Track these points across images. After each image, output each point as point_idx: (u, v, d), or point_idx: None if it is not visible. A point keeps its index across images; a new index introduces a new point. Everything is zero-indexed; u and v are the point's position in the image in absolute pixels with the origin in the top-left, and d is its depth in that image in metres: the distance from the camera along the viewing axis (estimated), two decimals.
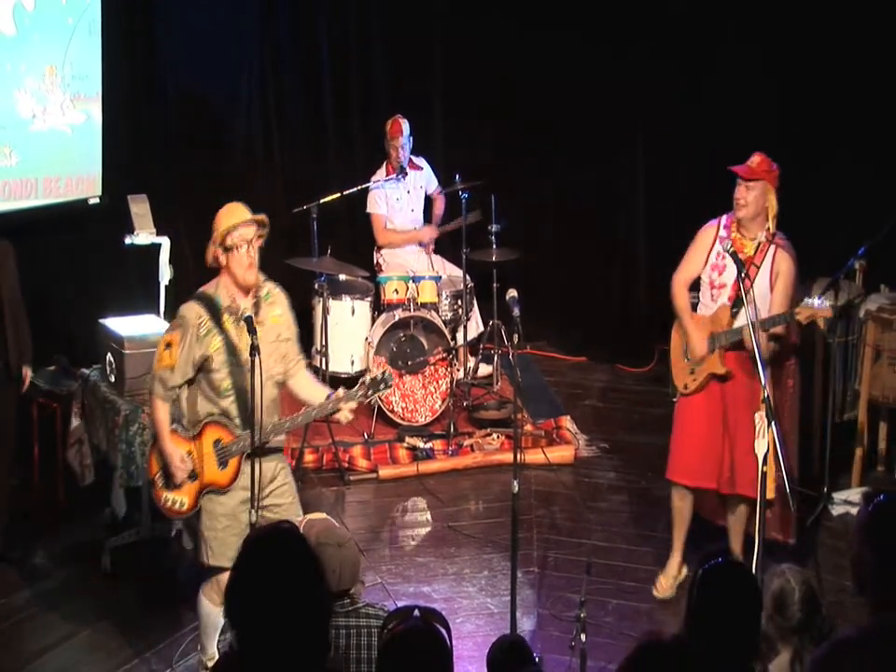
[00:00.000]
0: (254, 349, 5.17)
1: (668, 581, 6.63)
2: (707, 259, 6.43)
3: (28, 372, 6.87)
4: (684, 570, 6.60)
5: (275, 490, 5.54)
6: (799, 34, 8.78)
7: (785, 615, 4.25)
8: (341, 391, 5.43)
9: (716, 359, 6.33)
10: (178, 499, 5.50)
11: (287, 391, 5.68)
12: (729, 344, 6.28)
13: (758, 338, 5.80)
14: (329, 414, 5.57)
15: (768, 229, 6.30)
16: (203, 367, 5.36)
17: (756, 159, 6.30)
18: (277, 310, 5.52)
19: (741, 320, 6.22)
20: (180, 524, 6.91)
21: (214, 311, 5.35)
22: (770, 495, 6.08)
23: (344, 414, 5.41)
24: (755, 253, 6.31)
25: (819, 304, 6.09)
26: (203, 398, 5.43)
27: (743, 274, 6.05)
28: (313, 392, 5.57)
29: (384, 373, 5.42)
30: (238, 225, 5.32)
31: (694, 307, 6.56)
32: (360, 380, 5.49)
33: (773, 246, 6.30)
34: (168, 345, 5.36)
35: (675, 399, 6.68)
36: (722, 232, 6.39)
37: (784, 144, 8.77)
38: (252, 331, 5.21)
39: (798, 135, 8.84)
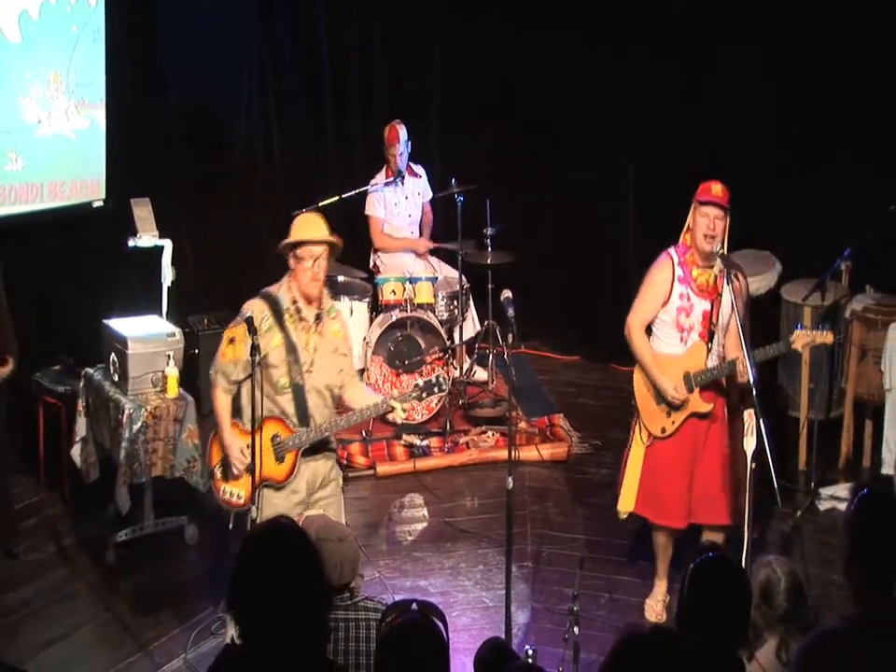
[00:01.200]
0: (254, 349, 5.23)
1: (658, 605, 6.49)
2: (668, 301, 6.11)
3: (10, 362, 6.78)
4: (667, 596, 6.47)
5: (324, 500, 5.58)
6: (798, 34, 8.70)
7: (771, 604, 4.26)
8: (395, 392, 5.54)
9: (697, 399, 6.12)
10: (236, 491, 5.56)
11: (344, 404, 5.73)
12: (708, 382, 6.11)
13: (753, 367, 5.69)
14: (382, 413, 5.65)
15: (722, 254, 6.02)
16: (262, 361, 5.37)
17: (717, 186, 6.03)
18: (337, 325, 5.61)
19: (715, 354, 6.13)
20: (185, 519, 6.96)
21: (276, 309, 5.43)
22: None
23: (399, 413, 5.46)
24: (715, 282, 6.09)
25: (820, 331, 6.04)
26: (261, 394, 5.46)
27: (709, 307, 6.02)
28: (368, 401, 5.64)
29: (438, 377, 5.52)
30: (309, 242, 5.39)
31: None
32: (414, 383, 5.58)
33: (727, 272, 6.00)
34: (231, 340, 5.44)
35: (647, 444, 6.28)
36: (679, 271, 6.10)
37: (783, 144, 8.83)
38: (252, 332, 5.26)
39: (796, 137, 8.84)
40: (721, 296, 6.08)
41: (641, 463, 6.31)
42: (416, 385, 5.52)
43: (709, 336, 6.12)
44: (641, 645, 3.19)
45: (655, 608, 6.49)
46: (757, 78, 9.00)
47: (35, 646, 6.16)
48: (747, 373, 5.76)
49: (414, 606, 3.62)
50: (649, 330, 6.27)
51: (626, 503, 6.38)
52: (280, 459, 5.47)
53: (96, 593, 6.65)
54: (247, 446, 5.38)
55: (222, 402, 5.51)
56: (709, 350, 6.14)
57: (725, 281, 6.01)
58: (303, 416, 5.43)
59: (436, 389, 5.52)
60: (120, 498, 6.86)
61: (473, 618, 6.43)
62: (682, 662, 3.26)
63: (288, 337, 5.41)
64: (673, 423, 6.20)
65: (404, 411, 5.48)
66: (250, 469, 5.39)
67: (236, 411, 5.56)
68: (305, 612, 3.34)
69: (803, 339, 6.00)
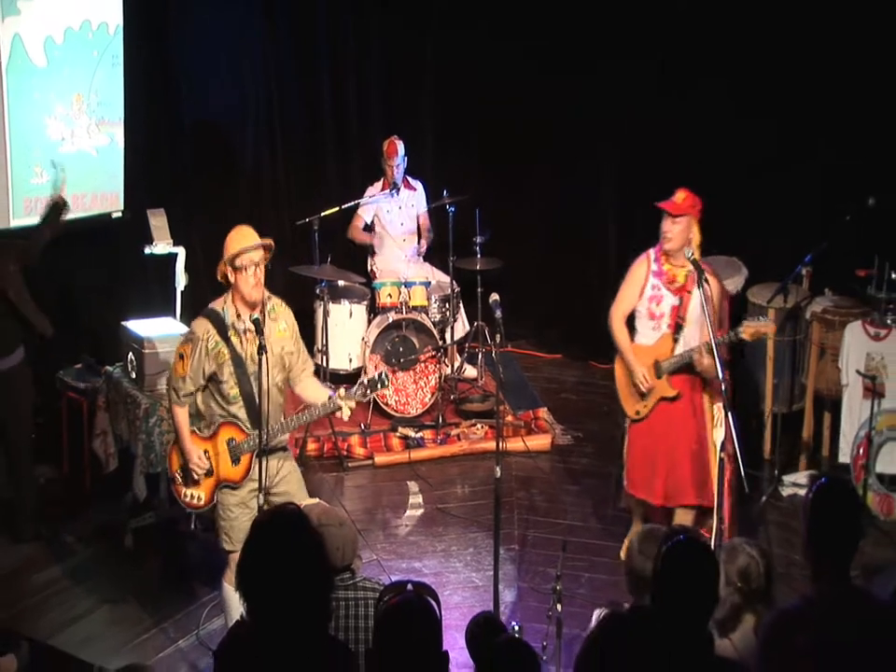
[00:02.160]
0: (261, 348, 5.21)
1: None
2: (643, 293, 6.34)
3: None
4: None
5: (282, 479, 5.57)
6: (764, 44, 8.68)
7: (751, 586, 4.27)
8: (342, 391, 5.42)
9: (665, 384, 6.28)
10: (196, 494, 5.55)
11: (295, 395, 5.71)
12: (675, 368, 6.26)
13: (719, 353, 5.79)
14: (330, 413, 5.55)
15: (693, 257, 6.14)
16: (213, 377, 5.39)
17: (681, 195, 6.24)
18: (282, 324, 5.51)
19: (682, 346, 6.25)
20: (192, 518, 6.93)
21: (220, 326, 5.37)
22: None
23: (345, 412, 5.39)
24: (685, 281, 6.25)
25: (762, 321, 6.18)
26: (214, 402, 5.47)
27: (679, 302, 6.17)
28: (317, 395, 5.57)
29: (380, 374, 5.44)
30: (248, 248, 5.31)
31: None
32: (359, 381, 5.50)
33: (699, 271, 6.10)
34: (181, 356, 5.41)
35: (625, 425, 6.54)
36: (654, 266, 6.33)
37: (751, 160, 8.81)
38: (260, 332, 5.25)
39: (760, 154, 8.83)
40: (690, 293, 6.22)
41: (627, 443, 6.55)
42: (361, 384, 5.41)
43: (677, 328, 6.28)
44: (622, 623, 3.19)
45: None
46: (723, 96, 8.97)
47: (60, 623, 6.17)
48: (703, 362, 6.01)
49: (410, 586, 3.62)
50: (632, 325, 6.43)
51: (624, 480, 6.59)
52: (236, 461, 5.46)
53: (115, 574, 6.66)
54: (205, 452, 5.43)
55: (179, 414, 5.46)
56: (676, 340, 6.30)
57: (697, 281, 6.07)
58: (255, 419, 5.35)
59: (378, 386, 5.42)
60: (138, 487, 6.85)
61: (464, 596, 6.42)
62: (658, 636, 3.26)
63: (234, 351, 5.35)
64: (646, 406, 6.37)
65: (350, 409, 5.39)
66: (209, 472, 5.44)
67: (193, 418, 5.53)
68: (309, 592, 3.33)
69: (750, 329, 6.10)
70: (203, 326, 5.38)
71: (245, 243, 5.33)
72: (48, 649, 5.65)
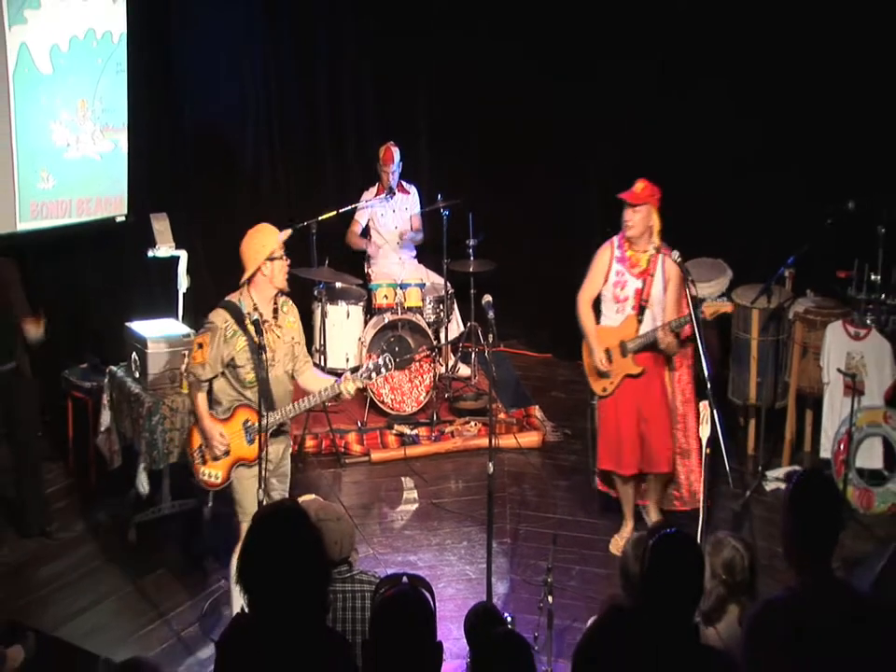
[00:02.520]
0: (261, 348, 5.41)
1: (623, 542, 6.63)
2: (608, 278, 6.55)
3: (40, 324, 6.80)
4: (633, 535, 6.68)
5: (279, 472, 5.78)
6: (750, 52, 8.72)
7: (735, 578, 4.29)
8: (347, 374, 5.65)
9: (630, 362, 6.50)
10: (214, 472, 5.69)
11: (299, 386, 5.82)
12: (640, 347, 6.46)
13: (701, 334, 5.92)
14: (337, 394, 5.65)
15: (654, 243, 6.46)
16: (231, 363, 5.55)
17: (640, 185, 6.46)
18: (291, 317, 5.75)
19: (646, 326, 6.46)
20: (198, 501, 6.94)
21: (238, 316, 5.54)
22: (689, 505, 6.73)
23: (351, 388, 5.57)
24: (647, 265, 6.47)
25: (720, 301, 6.41)
26: (230, 387, 5.62)
27: (642, 285, 6.42)
28: (320, 384, 5.73)
29: (384, 359, 5.63)
30: (281, 242, 5.69)
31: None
32: (365, 364, 5.68)
33: (661, 256, 6.45)
34: (200, 346, 5.55)
35: (594, 402, 6.83)
36: (617, 252, 6.54)
37: (736, 164, 8.83)
38: (259, 332, 5.46)
39: (745, 159, 8.85)
40: (653, 276, 6.45)
41: (598, 420, 6.78)
42: (367, 367, 5.61)
43: (640, 310, 6.49)
44: (622, 617, 3.22)
45: (619, 543, 6.70)
46: (724, 98, 8.98)
47: (66, 615, 6.17)
48: (665, 339, 6.31)
49: (405, 579, 3.63)
50: (599, 310, 6.67)
51: (599, 460, 6.81)
52: (251, 441, 5.61)
53: (120, 567, 6.65)
54: (223, 432, 5.59)
55: (198, 398, 5.63)
56: (640, 321, 6.50)
57: (660, 267, 6.42)
58: (269, 403, 5.52)
59: (383, 370, 5.61)
60: (141, 483, 6.85)
61: (458, 589, 6.43)
62: (647, 628, 3.28)
63: (251, 339, 5.51)
64: (612, 383, 6.58)
65: (355, 388, 5.59)
66: (225, 451, 5.60)
67: (210, 403, 5.70)
68: (307, 585, 3.34)
69: (710, 308, 6.31)
70: (221, 316, 5.56)
71: (276, 237, 5.68)
72: (54, 640, 5.65)
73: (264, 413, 5.42)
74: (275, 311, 5.65)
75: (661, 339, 6.35)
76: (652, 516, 6.78)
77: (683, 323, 6.35)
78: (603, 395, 6.64)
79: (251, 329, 5.52)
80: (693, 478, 6.72)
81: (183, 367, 6.65)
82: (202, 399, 5.63)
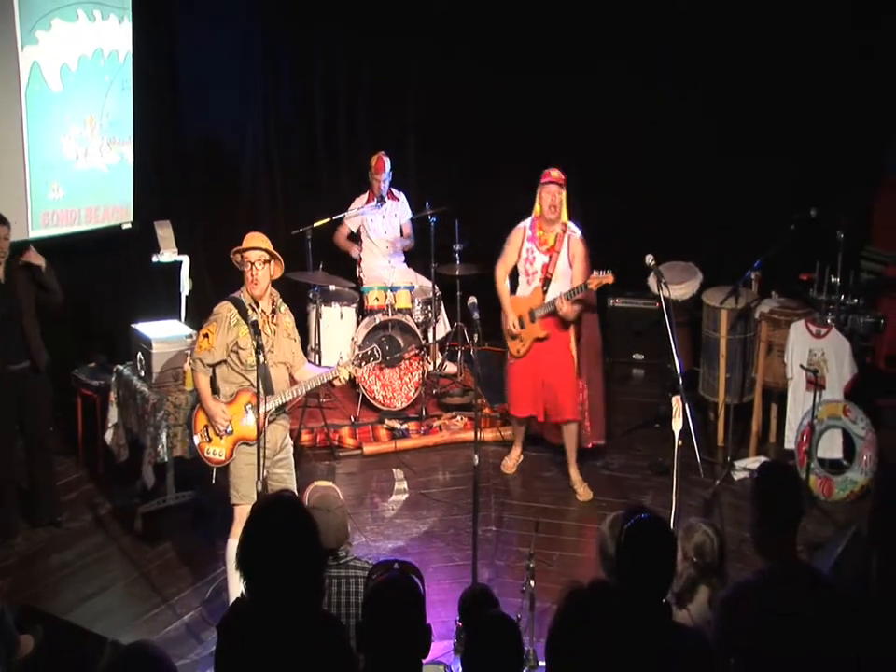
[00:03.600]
0: (259, 348, 5.39)
1: (511, 462, 7.72)
2: (520, 254, 7.09)
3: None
4: (520, 457, 7.75)
5: (280, 461, 5.78)
6: (721, 58, 8.75)
7: (705, 560, 4.28)
8: (340, 361, 5.81)
9: (537, 327, 7.07)
10: (217, 450, 5.76)
11: (295, 382, 5.88)
12: (545, 314, 6.98)
13: (674, 332, 5.96)
14: (331, 378, 5.81)
15: (563, 222, 7.00)
16: (234, 348, 5.65)
17: (557, 171, 7.01)
18: (287, 318, 5.87)
19: (551, 295, 6.96)
20: (199, 492, 6.91)
21: (240, 307, 5.68)
22: (593, 441, 7.50)
23: (343, 374, 5.75)
24: (555, 242, 7.02)
25: (602, 273, 6.76)
26: (233, 372, 5.71)
27: (548, 260, 6.99)
28: (316, 372, 5.93)
29: (374, 349, 5.80)
30: (246, 249, 5.69)
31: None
32: (355, 353, 5.81)
33: (567, 235, 7.02)
34: (206, 335, 5.68)
35: (509, 362, 7.34)
36: (529, 233, 7.10)
37: (708, 173, 8.84)
38: (257, 333, 5.47)
39: (716, 167, 8.86)
40: (558, 253, 7.00)
41: (508, 376, 7.43)
42: (357, 356, 5.82)
43: (545, 282, 7.04)
44: (583, 596, 3.20)
45: (508, 464, 7.70)
46: (698, 111, 8.99)
47: (75, 600, 6.15)
48: (562, 308, 6.86)
49: (396, 565, 3.61)
50: (515, 282, 7.20)
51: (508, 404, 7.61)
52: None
53: (126, 555, 6.63)
54: (224, 409, 5.71)
55: (202, 381, 5.73)
56: (545, 292, 7.04)
57: (566, 246, 6.98)
58: (268, 386, 5.59)
59: (371, 359, 5.83)
60: (146, 475, 6.82)
61: (446, 574, 6.41)
62: (617, 607, 3.26)
63: (252, 327, 5.60)
64: (524, 346, 7.17)
65: (347, 375, 5.77)
66: (229, 430, 5.71)
67: (215, 391, 5.80)
68: (304, 571, 3.32)
69: (594, 280, 6.78)
70: (226, 306, 5.69)
71: (247, 244, 5.70)
72: (65, 623, 5.61)
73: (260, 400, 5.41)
74: (274, 310, 5.76)
75: (559, 306, 6.88)
76: (570, 456, 7.35)
77: (577, 292, 6.84)
78: (517, 356, 7.20)
79: (252, 316, 5.63)
80: (595, 421, 7.44)
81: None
82: (205, 382, 5.72)
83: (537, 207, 7.11)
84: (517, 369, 7.29)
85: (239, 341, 5.64)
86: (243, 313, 5.66)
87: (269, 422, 5.59)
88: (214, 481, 6.35)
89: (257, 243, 5.70)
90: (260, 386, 5.33)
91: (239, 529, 5.42)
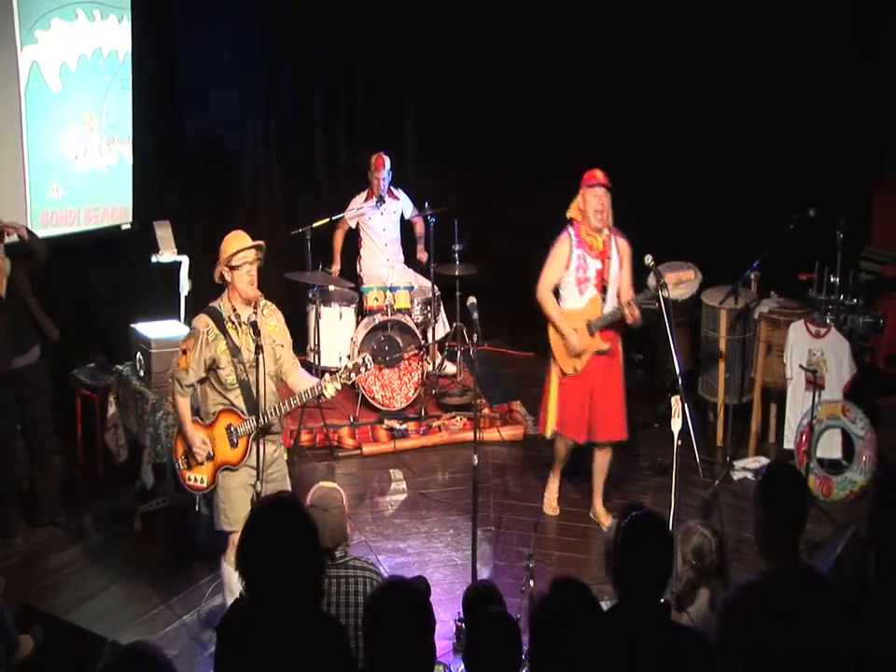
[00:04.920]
0: (258, 348, 5.25)
1: (554, 499, 7.10)
2: (569, 264, 6.54)
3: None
4: (559, 492, 7.10)
5: (275, 462, 5.58)
6: (719, 57, 8.75)
7: (704, 562, 4.27)
8: (327, 376, 5.46)
9: (598, 340, 6.55)
10: (199, 477, 5.54)
11: (287, 387, 5.69)
12: (604, 325, 6.53)
13: (673, 332, 5.90)
14: (318, 395, 5.51)
15: (609, 224, 6.53)
16: (212, 366, 5.40)
17: (601, 172, 6.52)
18: (272, 321, 5.54)
19: (610, 305, 6.54)
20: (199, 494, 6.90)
21: (218, 320, 5.39)
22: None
23: (330, 390, 5.38)
24: (603, 246, 6.53)
25: (683, 269, 6.51)
26: (214, 391, 5.47)
27: (601, 265, 6.49)
28: (307, 385, 5.56)
29: (363, 358, 5.46)
30: (242, 249, 5.38)
31: None
32: (344, 365, 5.50)
33: (612, 237, 6.55)
34: (184, 352, 5.42)
35: (553, 379, 6.74)
36: (574, 240, 6.56)
37: (707, 174, 8.83)
38: (257, 333, 5.28)
39: (715, 169, 8.85)
40: (609, 258, 6.51)
41: (557, 396, 6.72)
42: (346, 367, 5.43)
43: (603, 289, 6.54)
44: (568, 590, 3.23)
45: (553, 504, 7.08)
46: (690, 113, 8.98)
47: (75, 600, 6.15)
48: (634, 314, 6.39)
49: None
50: (557, 295, 6.68)
51: (550, 427, 6.80)
52: (234, 445, 5.45)
53: (125, 555, 6.63)
54: (206, 437, 5.44)
55: (181, 403, 5.48)
56: (604, 300, 6.55)
57: (613, 248, 6.51)
58: (251, 406, 5.38)
59: (362, 370, 5.45)
60: (146, 475, 6.82)
61: (445, 574, 6.41)
62: (617, 607, 3.27)
63: (231, 342, 5.37)
64: (582, 362, 6.61)
65: (336, 389, 5.40)
66: (210, 456, 5.45)
67: (194, 411, 5.57)
68: (303, 572, 3.32)
69: (672, 278, 6.30)
70: (203, 321, 5.42)
71: (239, 244, 5.39)
72: (64, 624, 5.62)
73: (247, 418, 5.32)
74: (254, 315, 5.41)
75: (629, 315, 6.42)
76: (599, 488, 6.95)
77: (651, 295, 6.42)
78: (573, 373, 6.64)
79: (231, 331, 5.38)
80: None
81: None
82: (184, 404, 5.48)
83: (574, 212, 6.61)
84: (571, 388, 6.67)
85: (218, 358, 5.36)
86: (221, 326, 5.39)
87: (254, 441, 5.37)
88: (197, 508, 6.34)
89: (246, 241, 5.41)
90: (261, 390, 5.21)
91: (231, 554, 5.40)
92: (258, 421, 5.35)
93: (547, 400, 6.79)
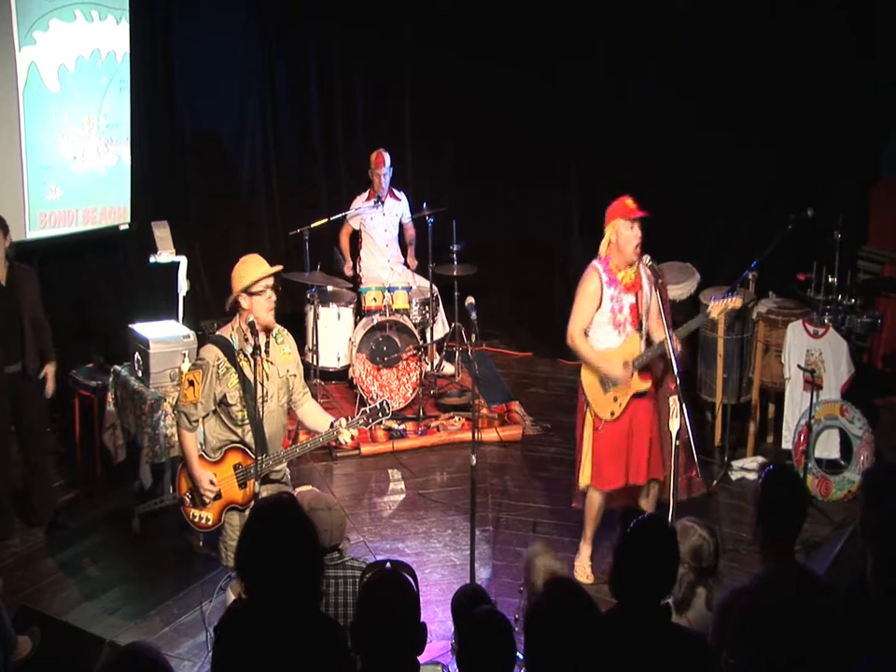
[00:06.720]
0: (257, 349, 5.04)
1: (587, 567, 6.37)
2: (601, 303, 5.99)
3: (50, 369, 6.80)
4: (592, 559, 6.37)
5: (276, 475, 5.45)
6: (710, 59, 8.78)
7: (702, 564, 4.27)
8: (343, 420, 5.24)
9: (637, 380, 6.04)
10: (205, 516, 5.35)
11: (297, 419, 5.57)
12: (644, 362, 6.04)
13: (674, 344, 5.70)
14: (332, 440, 5.34)
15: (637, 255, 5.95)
16: (223, 401, 5.19)
17: (632, 201, 5.96)
18: (287, 348, 5.34)
19: (646, 342, 6.07)
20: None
21: (229, 352, 5.16)
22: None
23: (346, 437, 5.23)
24: (635, 278, 6.01)
25: (728, 297, 5.96)
26: (223, 427, 5.27)
27: (635, 300, 5.97)
28: (318, 420, 5.40)
29: (382, 403, 5.28)
30: (263, 276, 5.15)
31: None
32: (361, 410, 5.35)
33: (642, 267, 5.98)
34: (191, 383, 5.15)
35: (599, 429, 6.12)
36: (605, 276, 6.00)
37: (704, 176, 8.84)
38: (258, 354, 5.06)
39: (713, 171, 8.86)
40: (642, 290, 6.03)
41: (592, 445, 6.16)
42: (363, 412, 5.27)
43: (639, 324, 6.06)
44: (564, 589, 3.24)
45: (586, 569, 6.35)
46: (685, 113, 8.99)
47: (74, 600, 6.16)
48: (678, 347, 5.74)
49: (388, 565, 3.61)
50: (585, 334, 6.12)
51: (584, 479, 6.25)
52: (242, 486, 5.26)
53: (124, 555, 6.63)
54: (214, 476, 5.25)
55: (187, 439, 5.24)
56: (641, 337, 6.06)
57: (643, 276, 5.99)
58: (262, 445, 5.17)
59: (380, 415, 5.25)
60: (144, 476, 6.82)
61: (443, 574, 6.42)
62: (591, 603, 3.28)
63: (243, 375, 5.12)
64: (620, 405, 6.08)
65: (352, 437, 5.25)
66: (217, 495, 5.26)
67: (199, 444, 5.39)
68: (302, 573, 3.32)
69: (718, 307, 5.95)
70: (212, 352, 5.16)
71: (259, 270, 5.16)
72: (62, 624, 5.61)
73: (256, 457, 5.12)
74: (268, 343, 5.21)
75: (674, 347, 5.67)
76: None
77: (693, 326, 6.05)
78: (611, 419, 6.09)
79: (243, 364, 5.12)
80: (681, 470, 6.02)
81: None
82: (191, 440, 5.24)
83: (604, 247, 6.03)
84: (610, 434, 6.09)
85: (228, 394, 5.12)
86: (231, 357, 5.12)
87: (262, 485, 5.17)
88: (201, 543, 6.29)
89: (265, 266, 5.16)
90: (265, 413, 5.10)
91: (238, 586, 5.36)
92: (261, 465, 5.10)
93: (581, 452, 6.23)
